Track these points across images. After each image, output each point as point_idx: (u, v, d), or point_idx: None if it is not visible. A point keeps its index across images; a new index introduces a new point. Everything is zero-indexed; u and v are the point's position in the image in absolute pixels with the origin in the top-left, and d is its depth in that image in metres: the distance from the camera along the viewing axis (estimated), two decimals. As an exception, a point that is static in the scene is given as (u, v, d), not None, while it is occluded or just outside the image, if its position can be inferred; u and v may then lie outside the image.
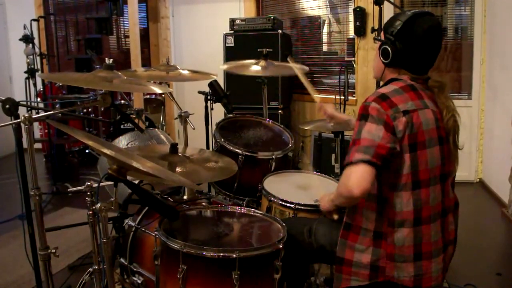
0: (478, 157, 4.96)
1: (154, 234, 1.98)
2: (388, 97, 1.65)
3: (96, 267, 2.31)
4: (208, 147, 3.18)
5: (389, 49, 1.73)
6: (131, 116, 2.50)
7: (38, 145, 5.84)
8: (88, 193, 2.17)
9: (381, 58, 1.78)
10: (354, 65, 5.28)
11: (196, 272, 1.66)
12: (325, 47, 5.95)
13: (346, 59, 5.54)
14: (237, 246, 1.75)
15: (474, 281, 2.85)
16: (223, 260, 1.63)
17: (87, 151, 5.74)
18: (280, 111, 5.03)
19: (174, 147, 2.15)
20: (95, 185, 1.96)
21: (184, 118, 2.46)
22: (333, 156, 4.62)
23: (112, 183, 1.63)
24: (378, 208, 1.70)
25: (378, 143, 1.59)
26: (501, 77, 4.42)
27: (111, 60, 1.87)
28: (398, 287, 1.73)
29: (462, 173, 4.96)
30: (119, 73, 1.91)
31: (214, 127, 2.84)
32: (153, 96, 5.82)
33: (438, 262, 1.72)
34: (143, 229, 2.21)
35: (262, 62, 2.84)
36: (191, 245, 1.65)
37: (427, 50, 1.74)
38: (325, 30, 5.89)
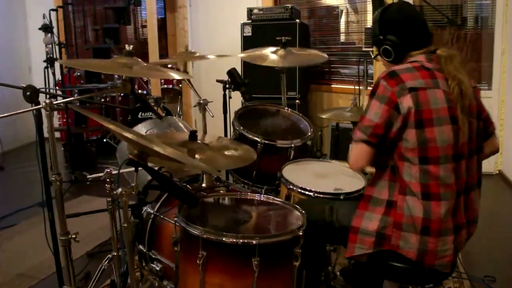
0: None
1: (173, 221, 1.99)
2: (397, 74, 1.71)
3: (115, 254, 2.34)
4: (226, 136, 3.17)
5: (387, 47, 1.83)
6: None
7: (56, 134, 5.88)
8: (108, 180, 2.19)
9: (389, 60, 1.86)
10: (372, 55, 5.23)
11: (216, 259, 1.66)
12: (342, 37, 5.90)
13: (363, 49, 5.50)
14: (257, 233, 1.74)
15: (493, 273, 2.83)
16: (243, 247, 1.62)
17: (104, 140, 5.76)
18: (297, 101, 5.00)
19: (193, 134, 2.14)
20: (115, 172, 1.97)
21: (203, 105, 2.46)
22: (351, 146, 4.58)
23: (133, 168, 1.64)
24: (390, 176, 1.77)
25: (376, 123, 1.69)
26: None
27: (131, 46, 1.87)
28: (401, 258, 1.75)
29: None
30: (139, 59, 1.91)
31: (232, 115, 2.83)
32: (170, 86, 5.83)
33: (445, 242, 1.71)
34: (161, 216, 2.22)
35: (281, 51, 2.81)
36: (211, 231, 1.64)
37: (412, 22, 1.84)
38: (342, 19, 5.84)
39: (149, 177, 2.08)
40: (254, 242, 1.61)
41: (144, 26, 6.78)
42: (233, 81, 2.79)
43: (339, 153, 4.72)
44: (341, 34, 5.88)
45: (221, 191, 2.32)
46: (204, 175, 2.42)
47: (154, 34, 5.12)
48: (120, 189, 1.50)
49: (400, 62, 1.84)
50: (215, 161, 2.09)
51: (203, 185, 2.46)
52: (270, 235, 1.68)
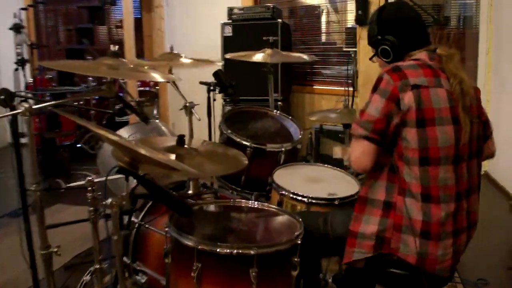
0: (483, 150, 4.90)
1: (160, 231, 1.93)
2: (400, 69, 1.70)
3: (98, 266, 2.25)
4: (210, 140, 3.12)
5: (385, 47, 1.81)
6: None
7: (27, 140, 5.72)
8: (89, 188, 2.11)
9: (387, 60, 1.84)
10: (352, 55, 5.24)
11: (211, 270, 1.60)
12: (324, 37, 5.90)
13: (344, 49, 5.51)
14: (254, 242, 1.70)
15: (486, 276, 2.84)
16: (240, 257, 1.57)
17: (78, 145, 5.62)
18: (279, 102, 4.97)
19: (181, 139, 2.08)
20: (97, 179, 1.90)
21: (189, 108, 2.40)
22: (335, 149, 4.57)
23: (118, 176, 1.58)
24: (388, 177, 1.74)
25: (377, 117, 1.67)
26: (508, 67, 4.38)
27: (117, 47, 1.81)
28: (401, 262, 1.73)
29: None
30: (124, 60, 1.85)
31: (215, 118, 2.79)
32: (147, 88, 5.74)
33: (445, 246, 1.70)
34: (147, 226, 2.15)
35: (268, 51, 2.78)
36: (206, 241, 1.59)
37: (411, 22, 1.83)
38: (324, 19, 5.84)
39: (133, 185, 2.02)
40: (252, 252, 1.56)
41: (118, 27, 6.66)
42: (219, 83, 2.74)
43: (322, 155, 4.71)
44: (322, 34, 5.89)
45: (208, 198, 2.27)
46: (191, 182, 2.37)
47: (131, 34, 5.04)
48: (110, 199, 1.44)
49: (399, 59, 1.81)
50: (205, 167, 2.04)
51: (190, 192, 2.40)
52: (268, 245, 1.63)
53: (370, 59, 1.95)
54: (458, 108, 1.70)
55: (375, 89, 1.71)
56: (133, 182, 1.66)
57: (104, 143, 2.64)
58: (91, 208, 2.11)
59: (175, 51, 2.65)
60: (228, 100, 4.99)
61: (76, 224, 3.44)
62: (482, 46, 4.83)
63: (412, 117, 1.65)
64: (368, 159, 1.71)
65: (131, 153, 1.40)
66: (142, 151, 1.36)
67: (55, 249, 1.91)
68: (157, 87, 5.83)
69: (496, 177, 4.63)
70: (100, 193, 1.89)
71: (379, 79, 1.71)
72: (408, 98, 1.64)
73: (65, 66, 1.93)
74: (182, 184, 2.48)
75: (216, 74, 2.75)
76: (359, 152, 1.72)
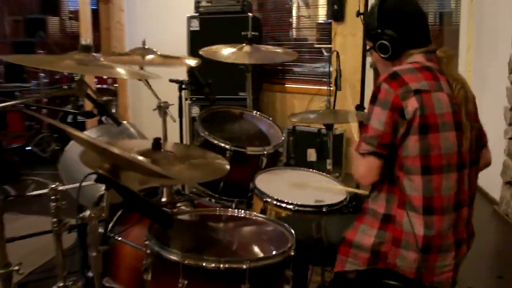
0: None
1: (133, 244, 1.87)
2: (399, 75, 1.69)
3: (62, 284, 2.16)
4: (181, 142, 3.06)
5: (384, 42, 1.79)
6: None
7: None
8: (53, 197, 2.01)
9: (384, 56, 1.83)
10: (325, 52, 5.27)
11: (199, 287, 1.55)
12: (295, 33, 5.91)
13: (315, 46, 5.53)
14: (244, 255, 1.66)
15: (475, 284, 2.87)
16: (231, 272, 1.53)
17: (28, 148, 5.44)
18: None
19: (157, 142, 2.01)
20: (61, 187, 1.81)
21: (163, 109, 2.34)
22: (309, 151, 4.56)
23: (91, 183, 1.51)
24: (388, 188, 1.74)
25: (382, 132, 1.66)
26: (490, 65, 4.46)
27: (88, 40, 1.73)
28: (397, 276, 1.73)
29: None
30: (95, 54, 1.77)
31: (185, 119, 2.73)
32: (105, 86, 5.61)
33: (445, 258, 1.71)
34: (116, 237, 2.07)
35: (247, 47, 2.74)
36: (192, 256, 1.53)
37: (413, 16, 1.82)
38: (296, 14, 5.86)
39: (101, 192, 1.94)
40: (244, 266, 1.51)
41: (71, 18, 6.47)
42: (195, 81, 2.68)
43: (296, 158, 4.69)
44: (293, 29, 5.89)
45: (183, 207, 2.21)
46: (164, 189, 2.30)
47: (88, 27, 4.90)
48: (88, 212, 1.36)
49: (396, 59, 1.81)
50: (184, 173, 1.98)
51: (163, 199, 2.33)
52: (260, 258, 1.60)
53: (367, 51, 1.93)
54: (461, 113, 1.70)
55: (374, 100, 1.70)
56: (101, 190, 1.59)
57: (69, 147, 2.53)
58: (55, 219, 2.03)
59: (133, 46, 2.57)
60: (194, 99, 4.93)
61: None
62: (462, 43, 4.91)
63: (415, 123, 1.64)
64: (375, 174, 1.71)
65: (114, 159, 1.33)
66: (132, 157, 1.29)
67: (16, 267, 1.81)
68: (115, 85, 5.71)
69: (479, 182, 4.71)
70: (64, 202, 1.81)
71: (377, 89, 1.70)
72: (411, 105, 1.64)
73: (27, 60, 1.84)
74: (154, 191, 2.42)
75: (191, 72, 2.69)
76: (366, 168, 1.72)
